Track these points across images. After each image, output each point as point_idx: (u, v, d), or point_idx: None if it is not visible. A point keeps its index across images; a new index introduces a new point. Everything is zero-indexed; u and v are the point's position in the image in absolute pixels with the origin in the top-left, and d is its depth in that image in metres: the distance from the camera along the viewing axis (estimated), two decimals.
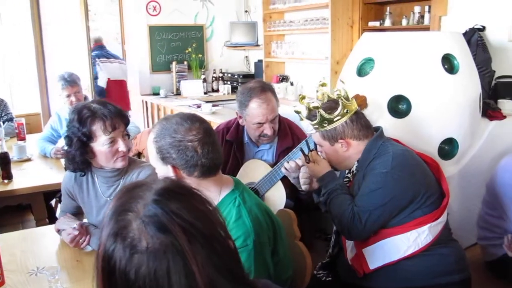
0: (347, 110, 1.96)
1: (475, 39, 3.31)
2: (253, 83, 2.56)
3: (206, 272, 0.82)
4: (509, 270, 2.35)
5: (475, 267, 2.43)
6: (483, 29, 3.40)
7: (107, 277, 0.84)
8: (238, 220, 1.51)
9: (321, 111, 1.94)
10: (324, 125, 1.97)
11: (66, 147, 2.02)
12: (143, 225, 0.82)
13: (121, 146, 2.00)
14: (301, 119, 2.04)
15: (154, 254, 0.80)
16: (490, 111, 2.86)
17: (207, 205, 0.91)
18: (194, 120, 1.54)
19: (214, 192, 1.59)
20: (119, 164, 2.04)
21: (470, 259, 2.30)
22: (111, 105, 2.01)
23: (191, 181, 1.53)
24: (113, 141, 1.98)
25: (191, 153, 1.49)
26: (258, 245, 1.49)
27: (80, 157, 1.98)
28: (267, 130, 2.48)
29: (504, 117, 2.88)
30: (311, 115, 2.00)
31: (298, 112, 2.05)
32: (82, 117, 1.94)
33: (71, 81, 3.66)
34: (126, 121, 2.05)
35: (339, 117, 1.96)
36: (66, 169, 2.12)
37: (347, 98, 1.96)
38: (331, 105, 1.97)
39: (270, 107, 2.46)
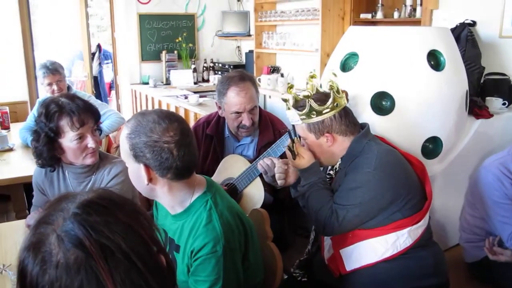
0: (337, 104, 1.93)
1: (465, 34, 3.24)
2: (233, 72, 2.54)
3: None
4: (489, 272, 2.32)
5: (455, 268, 2.40)
6: (473, 24, 3.33)
7: None
8: (208, 225, 1.46)
9: (311, 101, 1.89)
10: (312, 116, 1.92)
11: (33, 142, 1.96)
12: (58, 239, 0.79)
13: (90, 142, 1.94)
14: (288, 108, 1.99)
15: (66, 270, 0.77)
16: (476, 109, 2.79)
17: (139, 218, 0.87)
18: (172, 120, 1.46)
19: (187, 194, 1.53)
20: (88, 160, 1.99)
21: (451, 259, 2.27)
22: (80, 99, 1.95)
23: (163, 182, 1.48)
24: (81, 137, 1.92)
25: (166, 155, 1.42)
26: (228, 251, 1.44)
27: (47, 153, 1.92)
28: (246, 120, 2.42)
29: (491, 115, 2.81)
30: (299, 105, 1.96)
31: (285, 101, 2.00)
32: (49, 112, 1.88)
33: (52, 69, 3.58)
34: (95, 117, 1.99)
35: (328, 110, 1.91)
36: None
37: (338, 92, 1.92)
38: (321, 97, 1.93)
39: (248, 96, 2.41)
